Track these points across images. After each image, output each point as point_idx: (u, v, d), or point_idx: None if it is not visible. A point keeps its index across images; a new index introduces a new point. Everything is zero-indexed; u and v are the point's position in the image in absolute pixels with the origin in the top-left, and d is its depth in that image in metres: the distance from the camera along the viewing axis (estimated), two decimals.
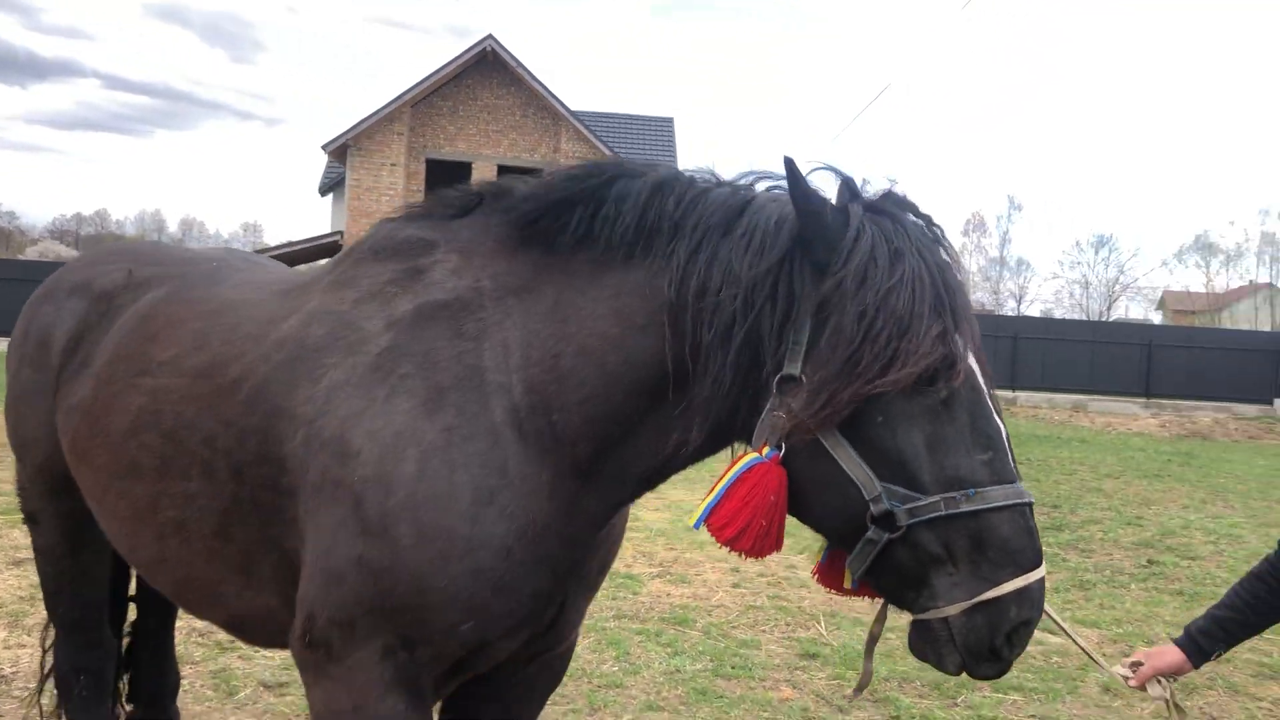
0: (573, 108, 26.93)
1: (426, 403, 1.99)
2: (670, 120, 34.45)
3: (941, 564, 1.82)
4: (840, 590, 2.02)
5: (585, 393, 2.00)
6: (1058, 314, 58.83)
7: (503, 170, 25.00)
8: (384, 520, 1.94)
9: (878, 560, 1.84)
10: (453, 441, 1.97)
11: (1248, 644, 2.96)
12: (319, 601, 2.01)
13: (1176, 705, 2.42)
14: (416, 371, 2.03)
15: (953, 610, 1.82)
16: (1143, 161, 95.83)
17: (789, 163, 1.88)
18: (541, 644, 2.28)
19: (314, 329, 2.17)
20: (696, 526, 1.94)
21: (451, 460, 1.96)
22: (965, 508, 1.78)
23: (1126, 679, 2.42)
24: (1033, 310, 66.27)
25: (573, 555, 2.13)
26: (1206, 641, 2.44)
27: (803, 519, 1.96)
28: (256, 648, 4.19)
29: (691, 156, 40.39)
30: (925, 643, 1.90)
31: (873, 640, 2.08)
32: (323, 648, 2.03)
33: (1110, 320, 52.32)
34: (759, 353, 1.90)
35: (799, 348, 1.86)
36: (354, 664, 2.01)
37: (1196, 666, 2.48)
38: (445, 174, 24.33)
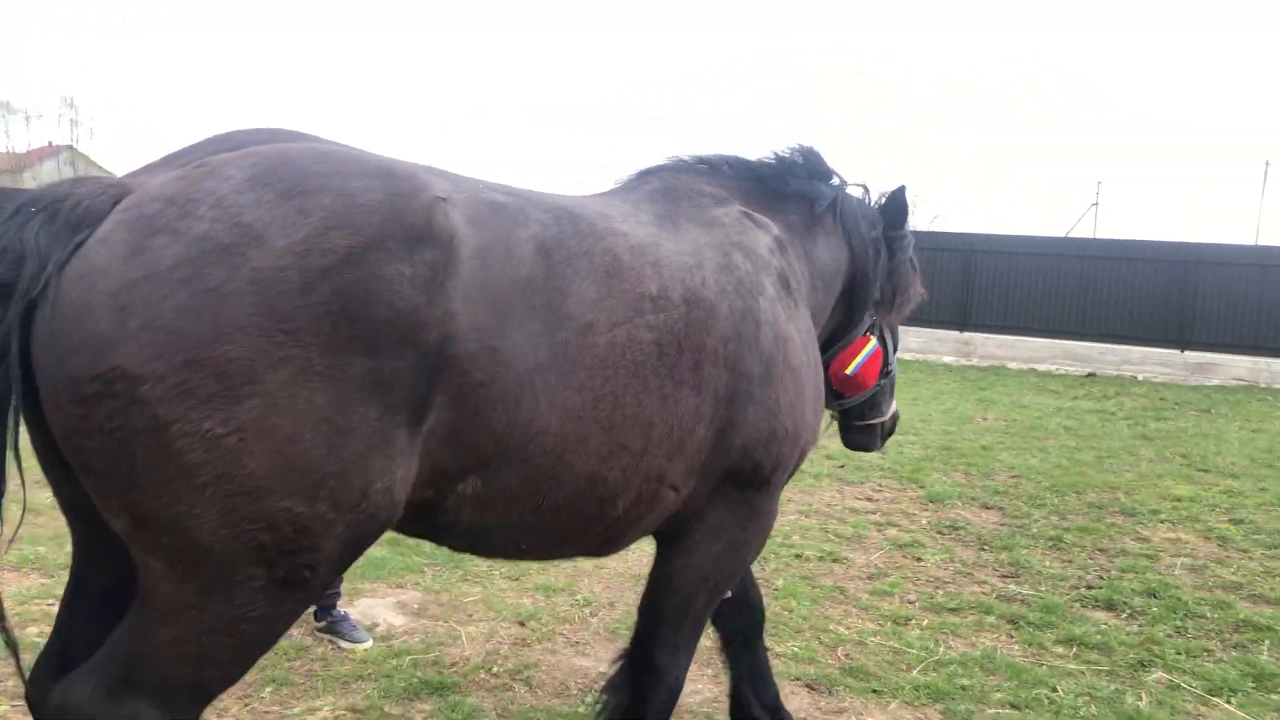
0: None
1: (804, 312, 3.09)
2: None
3: (887, 396, 3.83)
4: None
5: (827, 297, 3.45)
6: None
7: None
8: (808, 390, 2.97)
9: (885, 397, 3.81)
10: (809, 337, 3.06)
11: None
12: (765, 454, 2.82)
13: None
14: (799, 288, 3.09)
15: (886, 417, 3.82)
16: None
17: (901, 190, 3.66)
18: None
19: (737, 258, 2.86)
20: (852, 374, 3.56)
21: (809, 346, 3.04)
22: (894, 370, 3.83)
23: None
24: None
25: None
26: None
27: (864, 376, 3.62)
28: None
29: None
30: (867, 436, 3.82)
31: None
32: (765, 485, 2.91)
33: None
34: (871, 276, 3.55)
35: (879, 280, 3.60)
36: (777, 487, 3.00)
37: None
38: None
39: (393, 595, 5.11)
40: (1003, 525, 6.97)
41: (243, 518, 1.93)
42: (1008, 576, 5.87)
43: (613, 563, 5.66)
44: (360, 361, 1.97)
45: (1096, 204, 61.40)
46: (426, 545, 5.73)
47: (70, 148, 58.93)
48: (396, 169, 2.18)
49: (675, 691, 3.08)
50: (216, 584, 1.99)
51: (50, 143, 60.17)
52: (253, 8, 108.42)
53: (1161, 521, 7.18)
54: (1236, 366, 16.81)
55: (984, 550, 6.35)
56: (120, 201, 1.94)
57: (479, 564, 5.53)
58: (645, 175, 3.20)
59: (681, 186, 3.05)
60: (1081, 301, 18.23)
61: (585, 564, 5.46)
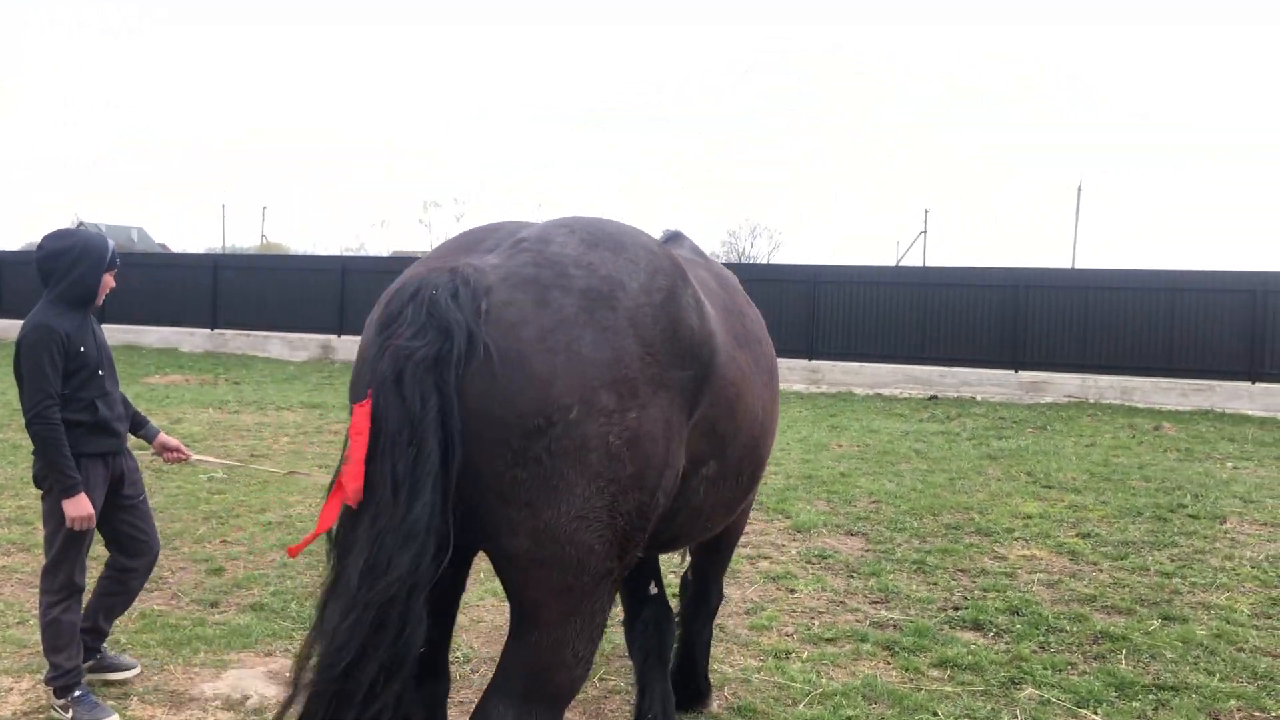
0: None
1: None
2: None
3: None
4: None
5: None
6: None
7: None
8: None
9: None
10: None
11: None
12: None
13: None
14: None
15: None
16: None
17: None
18: None
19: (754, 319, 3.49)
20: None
21: None
22: None
23: None
24: None
25: None
26: None
27: None
28: None
29: None
30: None
31: None
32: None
33: None
34: None
35: None
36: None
37: None
38: None
39: (262, 664, 4.81)
40: (868, 551, 7.14)
41: (619, 514, 2.35)
42: (878, 603, 5.99)
43: (488, 616, 5.51)
44: (677, 373, 2.49)
45: (925, 232, 64.65)
46: (294, 609, 5.46)
47: None
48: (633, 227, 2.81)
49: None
50: (592, 584, 2.40)
51: None
52: (253, 8, 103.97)
53: (1015, 539, 7.49)
54: (1067, 384, 17.85)
55: (853, 578, 6.47)
56: (478, 278, 2.33)
57: None
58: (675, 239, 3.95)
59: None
60: (920, 327, 19.05)
61: (461, 618, 5.29)
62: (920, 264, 40.33)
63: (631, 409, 2.32)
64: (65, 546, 4.19)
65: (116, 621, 4.80)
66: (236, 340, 23.50)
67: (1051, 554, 7.10)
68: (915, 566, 6.71)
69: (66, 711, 4.15)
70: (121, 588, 4.55)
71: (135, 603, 5.58)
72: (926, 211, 69.08)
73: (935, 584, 6.34)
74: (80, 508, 4.08)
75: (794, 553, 7.05)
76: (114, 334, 24.02)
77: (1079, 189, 62.29)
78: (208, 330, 23.98)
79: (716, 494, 2.92)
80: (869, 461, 10.73)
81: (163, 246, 64.44)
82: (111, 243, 4.40)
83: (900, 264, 37.54)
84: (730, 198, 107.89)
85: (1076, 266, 26.47)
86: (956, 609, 5.84)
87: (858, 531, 7.67)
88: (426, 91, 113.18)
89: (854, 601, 6.00)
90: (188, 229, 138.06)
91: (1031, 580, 6.43)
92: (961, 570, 6.66)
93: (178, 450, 4.66)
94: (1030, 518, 8.13)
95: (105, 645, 4.62)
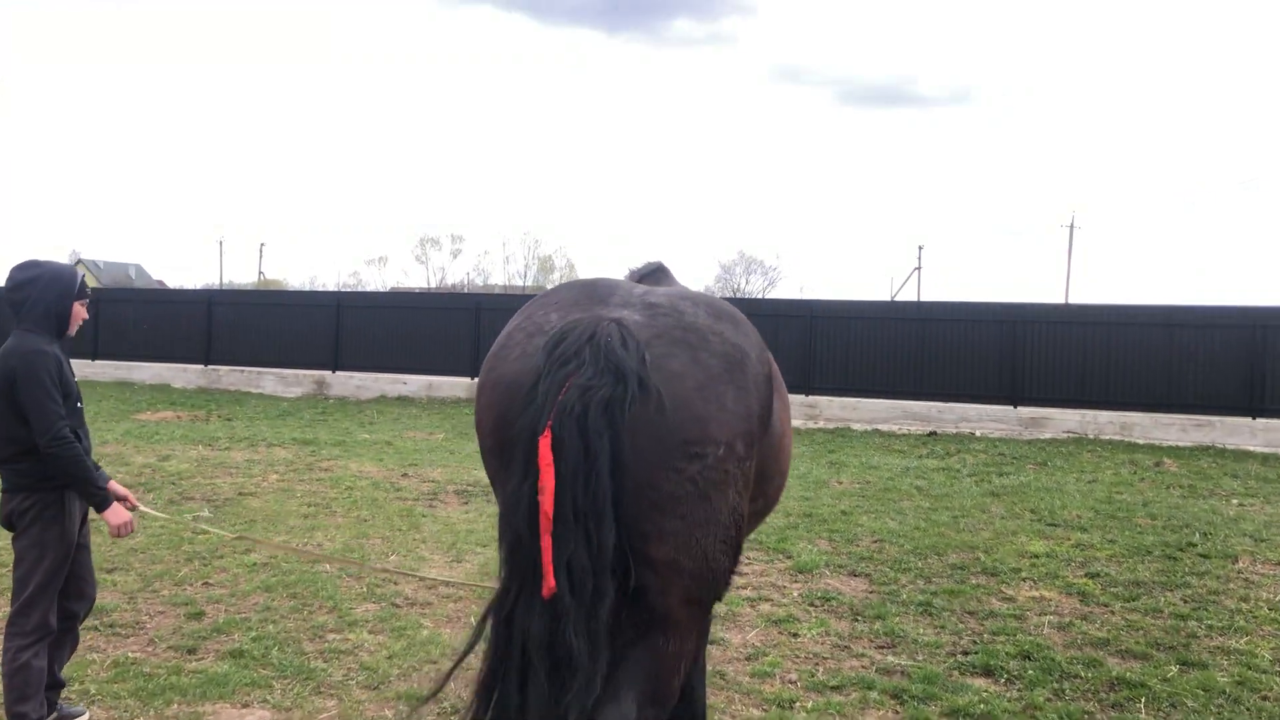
0: None
1: None
2: None
3: None
4: None
5: None
6: None
7: None
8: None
9: None
10: None
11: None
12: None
13: None
14: None
15: None
16: None
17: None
18: None
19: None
20: None
21: None
22: None
23: None
24: None
25: None
26: None
27: None
28: None
29: None
30: None
31: None
32: None
33: None
34: None
35: None
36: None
37: None
38: None
39: (238, 716, 4.58)
40: (872, 593, 6.92)
41: (738, 543, 2.84)
42: (884, 647, 5.77)
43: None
44: (763, 431, 2.94)
45: (919, 267, 64.81)
46: (275, 655, 5.23)
47: None
48: None
49: None
50: (710, 602, 2.86)
51: None
52: (252, 48, 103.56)
53: (1023, 579, 7.28)
54: (1067, 419, 17.67)
55: (858, 621, 6.25)
56: (636, 331, 2.73)
57: (334, 674, 5.06)
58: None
59: None
60: (918, 362, 18.89)
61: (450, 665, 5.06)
62: (915, 299, 40.30)
63: (750, 457, 2.79)
64: (44, 585, 4.08)
65: (89, 671, 4.56)
66: (230, 376, 23.25)
67: (1061, 595, 6.89)
68: (921, 609, 6.50)
69: None
70: (69, 634, 4.38)
71: (109, 650, 5.38)
72: (920, 248, 69.10)
73: (943, 627, 6.12)
74: (121, 515, 4.19)
75: (796, 594, 6.83)
76: (106, 370, 23.82)
77: (1071, 225, 62.40)
78: (201, 366, 23.74)
79: (753, 523, 3.32)
80: (870, 499, 10.53)
81: (159, 283, 64.31)
82: (81, 273, 4.34)
83: (895, 299, 37.56)
84: (723, 230, 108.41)
85: (1071, 301, 26.35)
86: (966, 654, 5.62)
87: (861, 572, 7.45)
88: (424, 126, 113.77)
89: (859, 646, 5.77)
90: (186, 265, 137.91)
91: (1042, 623, 6.21)
92: (969, 612, 6.44)
93: (126, 499, 4.41)
94: (1037, 557, 7.92)
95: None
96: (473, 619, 5.98)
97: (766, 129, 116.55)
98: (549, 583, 2.46)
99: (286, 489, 10.10)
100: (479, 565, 7.27)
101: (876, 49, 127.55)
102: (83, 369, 22.84)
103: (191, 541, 7.65)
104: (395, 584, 6.77)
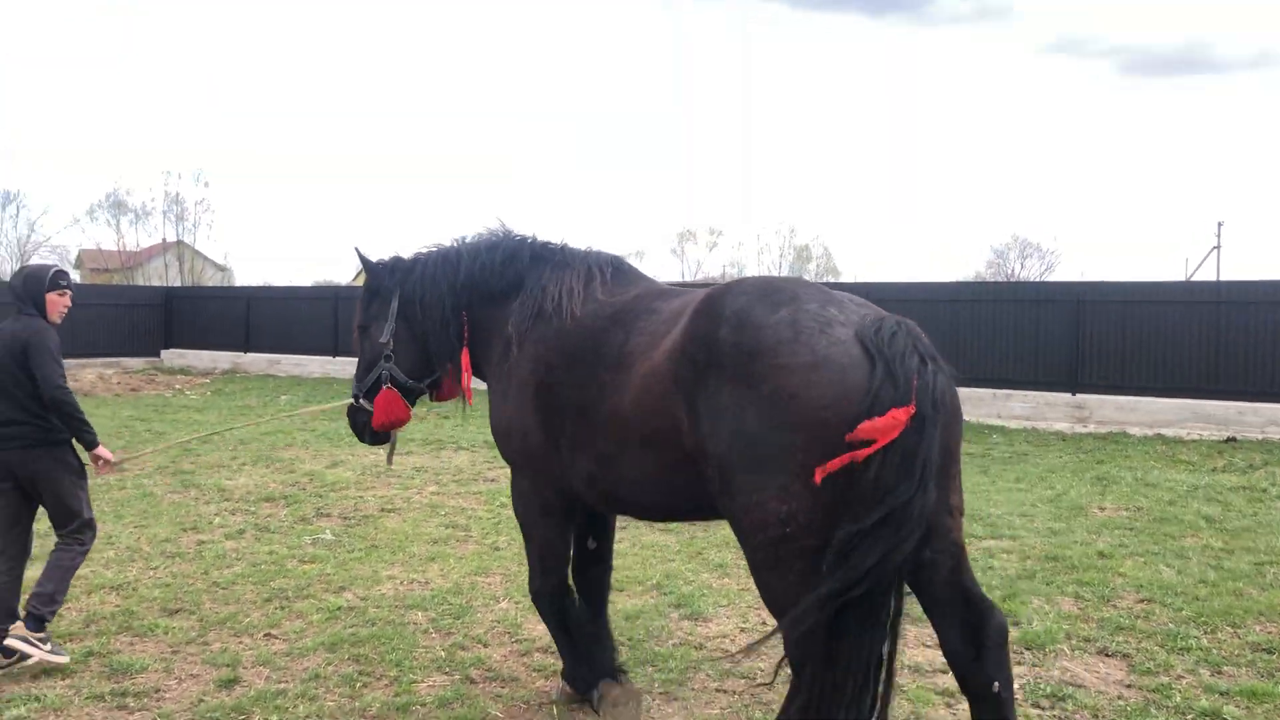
0: None
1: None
2: None
3: None
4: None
5: None
6: None
7: None
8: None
9: None
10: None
11: None
12: None
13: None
14: None
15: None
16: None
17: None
18: None
19: None
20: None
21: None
22: None
23: None
24: None
25: None
26: None
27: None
28: None
29: None
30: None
31: None
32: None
33: None
34: None
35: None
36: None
37: None
38: None
39: None
40: (1129, 688, 4.87)
41: None
42: None
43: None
44: None
45: (1219, 246, 57.40)
46: None
47: (179, 242, 60.77)
48: None
49: None
50: None
51: (164, 239, 62.21)
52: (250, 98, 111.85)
53: None
54: None
55: None
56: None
57: None
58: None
59: None
60: (1214, 353, 15.66)
61: None
62: (1214, 279, 35.17)
63: None
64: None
65: None
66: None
67: None
68: None
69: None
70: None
71: None
72: (1220, 224, 61.15)
73: None
74: (105, 453, 5.20)
75: (1018, 684, 4.89)
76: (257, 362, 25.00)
77: None
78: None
79: None
80: (1141, 534, 8.17)
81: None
82: (55, 269, 5.35)
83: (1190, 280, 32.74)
84: (994, 213, 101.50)
85: None
86: None
87: (1116, 650, 5.38)
88: (679, 121, 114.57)
89: None
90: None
91: None
92: None
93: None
94: None
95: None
96: (554, 711, 4.55)
97: (1042, 105, 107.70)
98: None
99: (434, 505, 9.05)
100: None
101: (1165, 12, 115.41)
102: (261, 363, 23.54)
103: (285, 574, 6.67)
104: (485, 645, 5.44)
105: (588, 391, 3.78)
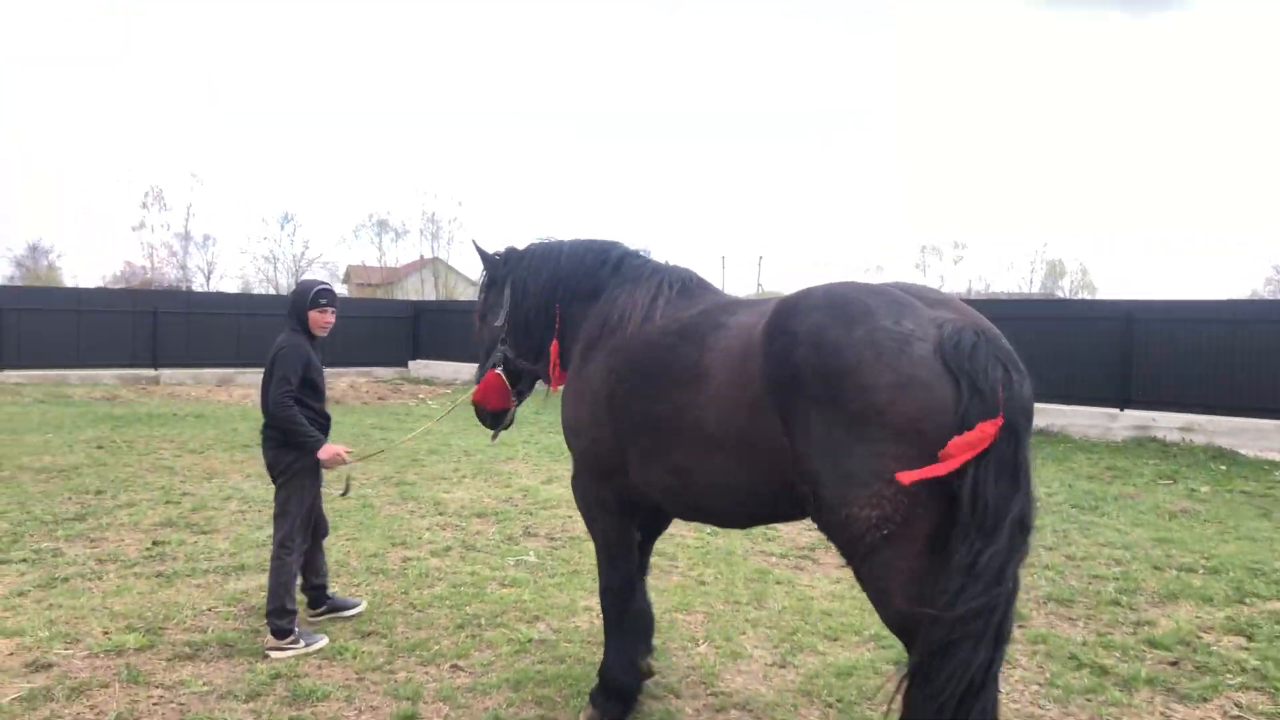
0: None
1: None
2: None
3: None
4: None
5: None
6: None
7: None
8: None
9: None
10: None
11: None
12: None
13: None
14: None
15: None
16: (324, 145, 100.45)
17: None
18: None
19: None
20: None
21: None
22: None
23: None
24: (226, 285, 65.66)
25: None
26: None
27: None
28: None
29: None
30: None
31: None
32: None
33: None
34: None
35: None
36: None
37: None
38: None
39: None
40: None
41: None
42: None
43: None
44: None
45: None
46: None
47: (435, 259, 64.54)
48: None
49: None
50: None
51: (421, 256, 66.32)
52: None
53: None
54: None
55: None
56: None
57: None
58: None
59: None
60: None
61: None
62: None
63: None
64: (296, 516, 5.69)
65: None
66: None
67: None
68: None
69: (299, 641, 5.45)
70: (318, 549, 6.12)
71: None
72: None
73: None
74: (328, 450, 5.62)
75: None
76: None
77: None
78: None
79: None
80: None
81: None
82: (319, 286, 5.74)
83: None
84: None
85: None
86: None
87: None
88: (919, 134, 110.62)
89: None
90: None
91: None
92: None
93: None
94: None
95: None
96: None
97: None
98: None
99: None
100: (803, 678, 5.18)
101: None
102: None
103: (482, 598, 6.42)
104: (676, 697, 4.93)
105: (661, 407, 3.79)
